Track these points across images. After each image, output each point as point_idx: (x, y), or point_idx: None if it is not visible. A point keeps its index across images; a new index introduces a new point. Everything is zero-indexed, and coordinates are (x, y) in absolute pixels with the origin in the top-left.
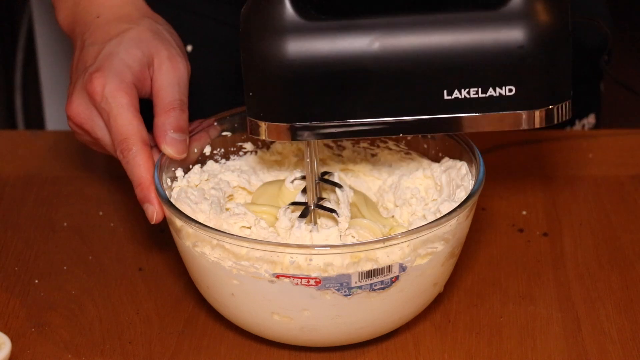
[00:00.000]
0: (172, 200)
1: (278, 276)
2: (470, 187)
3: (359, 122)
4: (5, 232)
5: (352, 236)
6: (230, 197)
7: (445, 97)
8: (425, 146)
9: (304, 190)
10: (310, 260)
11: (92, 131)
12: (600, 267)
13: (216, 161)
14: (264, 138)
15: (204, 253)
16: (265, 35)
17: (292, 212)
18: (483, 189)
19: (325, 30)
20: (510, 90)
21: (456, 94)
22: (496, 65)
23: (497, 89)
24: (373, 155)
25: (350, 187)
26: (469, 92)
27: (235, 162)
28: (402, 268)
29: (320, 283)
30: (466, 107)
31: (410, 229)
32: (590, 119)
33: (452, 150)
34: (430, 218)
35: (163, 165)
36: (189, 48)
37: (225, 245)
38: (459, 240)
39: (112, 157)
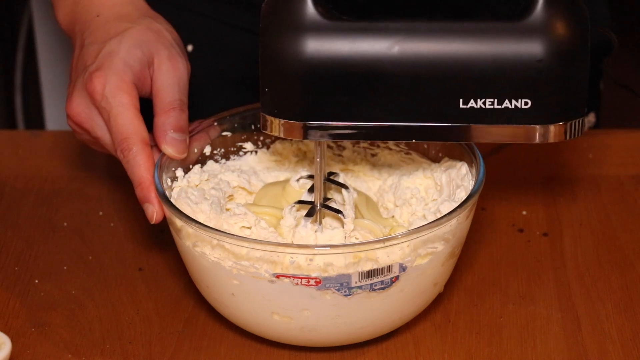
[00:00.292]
0: (172, 200)
1: (278, 276)
2: (470, 187)
3: (373, 125)
4: (5, 232)
5: (356, 237)
6: (231, 197)
7: (461, 105)
8: (425, 146)
9: (310, 190)
10: (311, 260)
11: (92, 130)
12: (600, 267)
13: (216, 161)
14: (276, 135)
15: (204, 253)
16: (285, 32)
17: (298, 210)
18: (483, 189)
19: (345, 30)
20: (526, 104)
21: (472, 103)
22: (514, 77)
23: (513, 101)
24: (373, 155)
25: (354, 189)
26: (484, 103)
27: (235, 162)
28: (402, 268)
29: (320, 283)
30: (481, 117)
31: (410, 229)
32: (590, 118)
33: (452, 151)
34: (431, 218)
35: (163, 165)
36: (190, 48)
37: (226, 245)
38: (459, 240)
39: (112, 157)
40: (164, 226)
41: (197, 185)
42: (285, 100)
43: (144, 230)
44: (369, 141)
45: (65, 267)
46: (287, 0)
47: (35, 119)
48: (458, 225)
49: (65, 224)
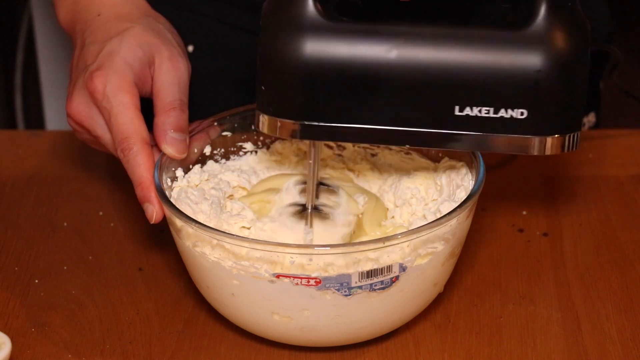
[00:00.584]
0: (172, 200)
1: (278, 276)
2: (470, 187)
3: (367, 127)
4: (5, 232)
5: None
6: (231, 197)
7: (457, 112)
8: None
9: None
10: (310, 260)
11: (92, 129)
12: (600, 267)
13: (216, 161)
14: (270, 133)
15: (204, 253)
16: (284, 31)
17: (289, 206)
18: (483, 189)
19: (344, 32)
20: (522, 114)
21: (467, 110)
22: (511, 86)
23: (509, 111)
24: (373, 155)
25: (363, 191)
26: (480, 111)
27: (235, 162)
28: (402, 268)
29: (320, 283)
30: (476, 125)
31: (410, 229)
32: (591, 118)
33: (453, 151)
34: (431, 218)
35: (163, 165)
36: (190, 48)
37: (225, 245)
38: (459, 240)
39: (112, 157)
40: (164, 226)
41: (197, 185)
42: (281, 99)
43: (144, 230)
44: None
45: (65, 267)
46: (288, 0)
47: (35, 119)
48: (458, 225)
49: (65, 224)
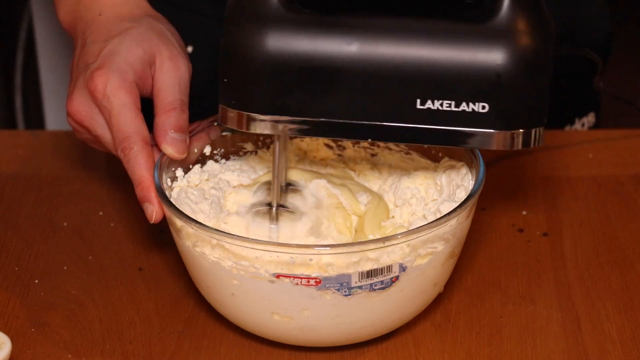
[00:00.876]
0: (172, 200)
1: (278, 276)
2: (470, 187)
3: (330, 121)
4: (5, 232)
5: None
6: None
7: (418, 106)
8: (426, 146)
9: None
10: (310, 260)
11: (93, 129)
12: (600, 267)
13: (216, 161)
14: (233, 127)
15: (204, 253)
16: (246, 23)
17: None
18: (483, 189)
19: (306, 24)
20: (483, 107)
21: (429, 104)
22: (472, 80)
23: (471, 105)
24: (373, 155)
25: (366, 190)
26: (442, 104)
27: (235, 162)
28: (402, 268)
29: (320, 283)
30: (438, 119)
31: (410, 229)
32: (590, 118)
33: (452, 151)
34: (431, 218)
35: (163, 165)
36: (190, 49)
37: (225, 245)
38: (459, 240)
39: (112, 157)
40: (164, 226)
41: (197, 185)
42: (244, 92)
43: (144, 230)
44: (368, 141)
45: (65, 267)
46: None
47: (35, 119)
48: (458, 225)
49: (65, 224)
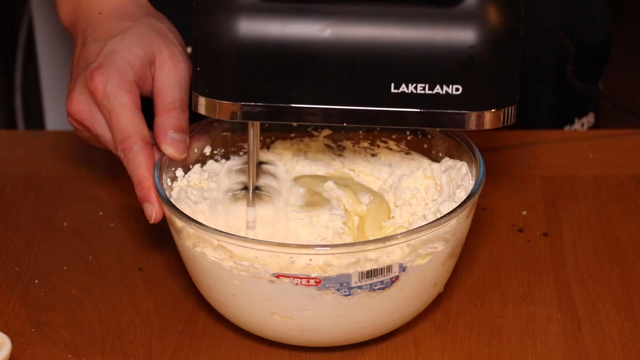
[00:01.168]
0: (172, 200)
1: (278, 276)
2: (471, 187)
3: (305, 107)
4: (5, 232)
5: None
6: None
7: (392, 90)
8: (426, 146)
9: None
10: (310, 260)
11: (93, 128)
12: (600, 267)
13: (216, 161)
14: (208, 115)
15: (204, 253)
16: (218, 11)
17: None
18: (483, 189)
19: (278, 11)
20: (457, 90)
21: (403, 88)
22: (445, 63)
23: (444, 87)
24: (373, 155)
25: (368, 190)
26: (416, 88)
27: (235, 162)
28: (402, 268)
29: (320, 283)
30: (413, 102)
31: (410, 229)
32: (590, 118)
33: (452, 150)
34: (431, 218)
35: (163, 165)
36: (190, 49)
37: (226, 245)
38: (459, 240)
39: (112, 157)
40: (164, 226)
41: (197, 185)
42: (217, 81)
43: (144, 230)
44: (369, 141)
45: (65, 267)
46: None
47: (35, 119)
48: (458, 225)
49: (65, 224)
